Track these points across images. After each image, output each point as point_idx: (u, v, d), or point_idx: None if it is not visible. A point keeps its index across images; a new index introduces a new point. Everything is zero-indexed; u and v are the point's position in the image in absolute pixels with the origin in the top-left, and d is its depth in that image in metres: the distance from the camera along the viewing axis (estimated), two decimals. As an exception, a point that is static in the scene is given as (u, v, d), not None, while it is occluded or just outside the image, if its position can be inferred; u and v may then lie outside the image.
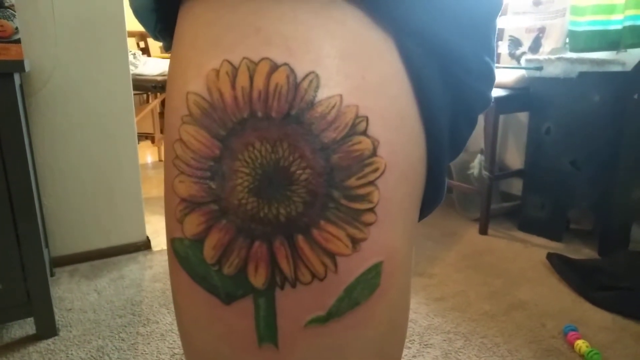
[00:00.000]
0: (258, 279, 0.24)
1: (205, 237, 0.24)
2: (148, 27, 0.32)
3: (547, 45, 1.93)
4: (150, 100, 3.71)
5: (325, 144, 0.23)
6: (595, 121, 1.63)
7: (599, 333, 1.22)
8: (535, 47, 1.96)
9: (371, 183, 0.24)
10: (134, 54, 2.73)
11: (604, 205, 1.67)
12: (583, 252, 1.70)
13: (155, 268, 1.63)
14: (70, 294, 1.43)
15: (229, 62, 0.23)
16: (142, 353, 1.18)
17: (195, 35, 0.25)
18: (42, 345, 1.18)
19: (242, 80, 0.23)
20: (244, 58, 0.23)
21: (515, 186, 2.13)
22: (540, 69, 1.72)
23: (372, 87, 0.23)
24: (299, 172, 0.23)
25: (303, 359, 0.26)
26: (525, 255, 1.71)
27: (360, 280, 0.25)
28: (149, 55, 3.72)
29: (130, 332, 1.25)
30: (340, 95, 0.23)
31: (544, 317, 1.30)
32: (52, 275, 1.54)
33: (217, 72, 0.23)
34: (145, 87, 2.39)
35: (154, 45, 4.04)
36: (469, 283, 1.50)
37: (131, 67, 1.70)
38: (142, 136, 3.51)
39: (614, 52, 1.74)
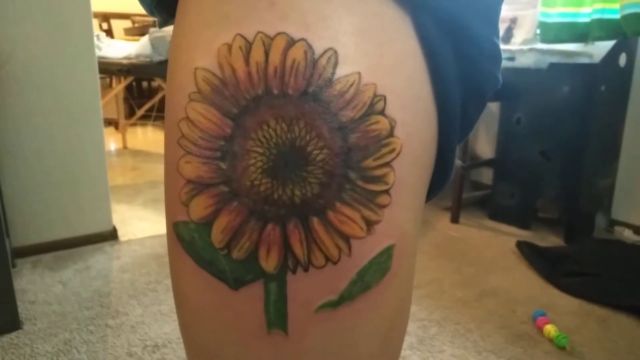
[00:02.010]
0: (270, 263, 0.23)
1: (213, 220, 0.23)
2: (144, 1, 0.30)
3: (518, 36, 1.97)
4: (113, 85, 3.59)
5: (343, 123, 0.22)
6: (565, 112, 1.68)
7: (566, 318, 1.26)
8: (507, 37, 1.99)
9: (387, 164, 0.23)
10: (98, 35, 2.63)
11: (571, 194, 1.73)
12: (550, 240, 1.76)
13: (123, 259, 1.59)
14: (34, 285, 1.38)
15: (242, 36, 0.22)
16: (112, 345, 1.15)
17: (203, 8, 0.23)
18: (5, 339, 1.13)
19: (257, 55, 0.22)
20: (258, 32, 0.22)
21: (486, 175, 2.18)
22: (512, 59, 1.76)
23: (390, 66, 0.23)
24: (315, 152, 0.22)
25: (313, 344, 0.25)
26: (495, 243, 1.75)
27: (373, 263, 0.24)
28: (112, 37, 3.59)
29: (98, 325, 1.21)
30: (359, 73, 0.22)
31: (514, 303, 1.33)
32: (13, 266, 1.48)
33: (229, 46, 0.22)
34: (110, 70, 2.31)
35: (118, 27, 3.91)
36: (442, 271, 1.53)
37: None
38: (106, 122, 3.40)
39: (583, 44, 1.79)
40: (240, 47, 0.22)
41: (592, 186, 1.74)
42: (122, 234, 1.76)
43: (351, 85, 0.22)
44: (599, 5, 1.68)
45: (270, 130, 0.22)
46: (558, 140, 1.72)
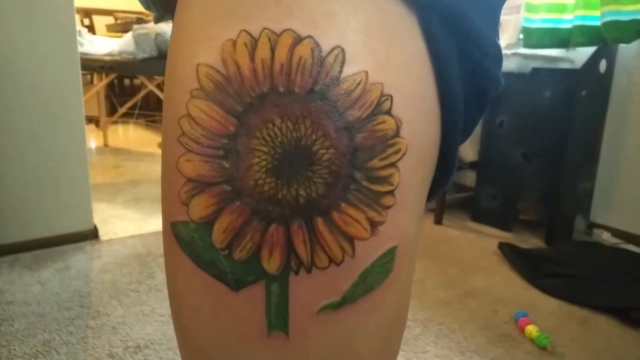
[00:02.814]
0: (272, 263, 0.23)
1: (215, 220, 0.23)
2: None
3: (502, 41, 1.99)
4: (94, 82, 3.53)
5: (350, 123, 0.22)
6: (546, 116, 1.70)
7: (547, 318, 1.28)
8: (491, 42, 2.01)
9: (393, 165, 0.23)
10: (79, 31, 2.58)
11: (551, 197, 1.76)
12: (531, 242, 1.78)
13: (104, 258, 1.56)
14: (11, 285, 1.35)
15: (247, 32, 0.21)
16: (92, 347, 1.12)
17: (206, 3, 0.23)
18: (-18, 340, 1.10)
19: (263, 52, 0.21)
20: (264, 29, 0.21)
21: (469, 178, 2.20)
22: (495, 64, 1.78)
23: (396, 65, 0.22)
24: (321, 151, 0.21)
25: (313, 346, 0.25)
26: (478, 244, 1.77)
27: (376, 264, 0.24)
28: (94, 33, 3.53)
29: (79, 325, 1.19)
30: (366, 72, 0.22)
31: (497, 304, 1.35)
32: (-10, 265, 1.44)
33: (234, 42, 0.21)
34: (92, 67, 2.27)
35: (100, 23, 3.85)
36: (425, 272, 1.54)
37: (78, 46, 1.60)
38: (86, 119, 3.34)
39: (565, 49, 1.82)
40: (245, 44, 0.21)
41: (572, 189, 1.77)
42: (103, 233, 1.73)
43: (358, 84, 0.21)
44: (580, 12, 1.72)
45: (276, 128, 0.21)
46: (540, 144, 1.75)
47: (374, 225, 0.23)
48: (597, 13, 1.68)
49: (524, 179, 1.80)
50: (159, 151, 3.19)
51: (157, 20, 0.32)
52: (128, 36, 2.19)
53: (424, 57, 0.24)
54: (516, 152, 1.80)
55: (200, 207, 0.23)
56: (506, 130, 1.82)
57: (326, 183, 0.22)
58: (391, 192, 0.23)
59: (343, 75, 0.21)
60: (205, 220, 0.23)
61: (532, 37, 1.85)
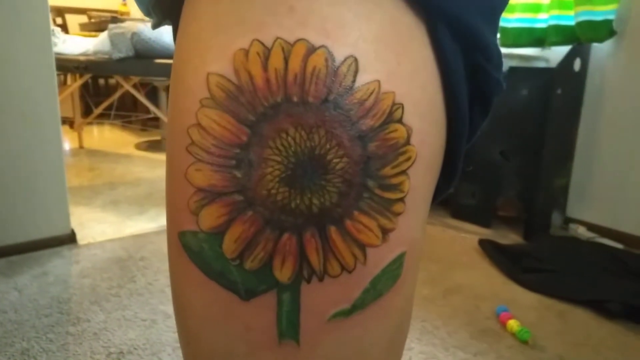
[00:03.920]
0: (284, 273, 0.23)
1: (226, 230, 0.23)
2: (141, 1, 0.29)
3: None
4: (68, 82, 3.45)
5: (363, 132, 0.22)
6: (523, 114, 1.74)
7: (527, 312, 1.31)
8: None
9: (404, 172, 0.23)
10: (52, 30, 2.52)
11: (529, 194, 1.80)
12: (510, 238, 1.82)
13: (83, 263, 1.53)
14: (-13, 293, 1.31)
15: (259, 42, 0.21)
16: (73, 354, 1.10)
17: (216, 12, 0.22)
18: (-43, 350, 1.07)
19: (276, 61, 0.21)
20: (277, 38, 0.21)
21: (446, 176, 2.23)
22: (474, 63, 1.81)
23: (407, 73, 0.23)
24: (335, 160, 0.22)
25: (324, 354, 0.25)
26: (458, 241, 1.80)
27: (386, 271, 0.24)
28: (67, 32, 3.45)
29: (58, 332, 1.16)
30: (378, 81, 0.22)
31: (478, 300, 1.37)
32: (-36, 273, 1.40)
33: (246, 52, 0.21)
34: (67, 67, 2.21)
35: (73, 22, 3.76)
36: (408, 269, 1.56)
37: (53, 46, 1.56)
38: (61, 120, 3.26)
39: (540, 49, 1.86)
40: (258, 53, 0.21)
41: (548, 185, 1.81)
42: (81, 238, 1.70)
43: (371, 93, 0.22)
44: (555, 12, 1.76)
45: (289, 138, 0.21)
46: (517, 141, 1.78)
47: (385, 232, 0.23)
48: (571, 13, 1.72)
49: (502, 176, 1.84)
50: (136, 153, 3.14)
51: (156, 26, 0.31)
52: (103, 35, 2.15)
53: (432, 65, 0.24)
54: (494, 150, 1.83)
55: (211, 217, 0.23)
56: (484, 128, 1.85)
57: (339, 192, 0.22)
58: (402, 199, 0.23)
59: (356, 84, 0.21)
60: (215, 230, 0.23)
61: (509, 36, 1.88)
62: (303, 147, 0.21)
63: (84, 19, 3.76)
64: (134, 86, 2.62)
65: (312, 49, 0.21)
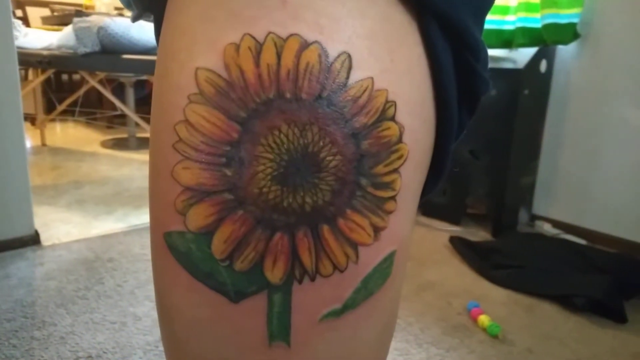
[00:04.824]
0: (275, 273, 0.22)
1: (215, 230, 0.22)
2: None
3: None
4: (30, 77, 3.32)
5: (357, 129, 0.21)
6: (492, 114, 1.77)
7: (497, 308, 1.34)
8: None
9: (395, 170, 0.23)
10: (13, 23, 2.41)
11: (497, 192, 1.84)
12: (479, 235, 1.85)
13: (48, 265, 1.48)
14: (-56, 297, 1.25)
15: (251, 36, 0.21)
16: (39, 359, 1.06)
17: (205, 4, 0.22)
18: None
19: (268, 57, 0.20)
20: (269, 33, 0.21)
21: (417, 174, 2.25)
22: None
23: (400, 71, 0.23)
24: (328, 158, 0.21)
25: (314, 355, 0.24)
26: (429, 238, 1.82)
27: (377, 269, 0.24)
28: (28, 25, 3.33)
29: (23, 337, 1.12)
30: (372, 78, 0.21)
31: (450, 296, 1.40)
32: None
33: (237, 46, 0.21)
34: (29, 62, 2.13)
35: (34, 14, 3.63)
36: (380, 267, 1.57)
37: (14, 39, 1.50)
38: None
39: (508, 50, 1.90)
40: (249, 48, 0.21)
41: (515, 184, 1.86)
42: (45, 238, 1.64)
43: (365, 90, 0.21)
44: (522, 14, 1.80)
45: (282, 135, 0.21)
46: (486, 140, 1.82)
47: (377, 230, 0.23)
48: (538, 15, 1.77)
49: (472, 174, 1.87)
50: (102, 151, 3.06)
51: (135, 18, 0.30)
52: (68, 29, 2.07)
53: (423, 63, 0.24)
54: (464, 149, 1.86)
55: (199, 216, 0.22)
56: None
57: (332, 190, 0.22)
58: (393, 198, 0.23)
59: (350, 81, 0.21)
60: (204, 230, 0.22)
61: (478, 37, 1.91)
62: (296, 144, 0.21)
63: (45, 11, 3.63)
64: (100, 82, 2.54)
65: (305, 45, 0.21)
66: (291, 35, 0.21)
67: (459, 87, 0.26)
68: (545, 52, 1.78)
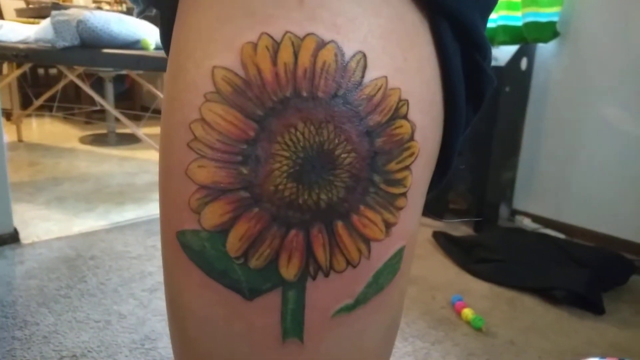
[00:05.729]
0: (290, 270, 0.22)
1: (230, 228, 0.22)
2: None
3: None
4: (4, 71, 3.23)
5: (371, 127, 0.22)
6: (474, 111, 1.80)
7: (480, 301, 1.37)
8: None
9: (407, 167, 0.23)
10: (-13, 16, 2.34)
11: (479, 187, 1.87)
12: (461, 230, 1.88)
13: (28, 263, 1.45)
14: None
15: (268, 35, 0.21)
16: (22, 359, 1.04)
17: (222, 4, 0.22)
18: None
19: (285, 56, 0.21)
20: (286, 32, 0.21)
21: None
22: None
23: (412, 70, 0.23)
24: (343, 155, 0.22)
25: (327, 350, 0.25)
26: (412, 234, 1.84)
27: (387, 265, 0.25)
28: (1, 18, 3.24)
29: (3, 338, 1.10)
30: (386, 77, 0.22)
31: (434, 290, 1.42)
32: None
33: (254, 45, 0.21)
34: (5, 56, 2.07)
35: (8, 7, 3.53)
36: (366, 262, 1.58)
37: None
38: (-4, 113, 3.06)
39: (490, 48, 1.93)
40: (267, 47, 0.21)
41: (496, 179, 1.89)
42: (25, 236, 1.61)
43: (379, 89, 0.22)
44: (503, 12, 1.83)
45: (298, 133, 0.21)
46: (468, 137, 1.84)
47: (388, 226, 0.24)
48: (519, 14, 1.80)
49: (454, 170, 1.90)
50: (80, 147, 3.00)
51: (139, 14, 0.30)
52: (46, 22, 2.02)
53: (434, 62, 0.24)
54: (447, 145, 1.88)
55: (214, 215, 0.22)
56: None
57: (347, 187, 0.22)
58: (404, 194, 0.24)
59: (365, 80, 0.21)
60: (218, 228, 0.22)
61: (460, 35, 1.94)
62: (312, 142, 0.21)
63: (20, 4, 3.53)
64: (79, 76, 2.49)
65: (321, 44, 0.21)
66: (308, 34, 0.21)
67: (466, 85, 0.27)
68: (526, 49, 1.81)
